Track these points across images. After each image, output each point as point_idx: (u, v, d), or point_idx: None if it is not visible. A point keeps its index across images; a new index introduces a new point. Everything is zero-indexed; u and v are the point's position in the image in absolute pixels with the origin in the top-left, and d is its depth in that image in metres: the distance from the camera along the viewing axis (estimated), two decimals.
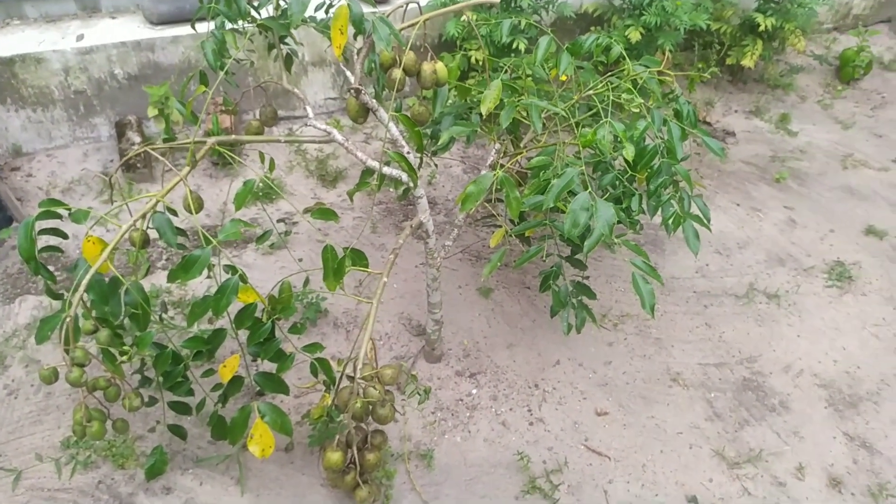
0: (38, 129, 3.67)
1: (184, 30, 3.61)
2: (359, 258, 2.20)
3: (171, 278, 1.94)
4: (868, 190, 3.90)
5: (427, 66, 2.15)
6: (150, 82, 3.65)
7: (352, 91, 2.04)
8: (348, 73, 2.20)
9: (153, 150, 2.02)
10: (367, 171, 2.79)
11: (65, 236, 2.17)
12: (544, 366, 2.89)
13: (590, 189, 1.97)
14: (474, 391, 2.78)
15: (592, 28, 4.10)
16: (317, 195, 3.67)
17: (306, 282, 2.34)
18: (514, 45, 3.63)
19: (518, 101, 2.25)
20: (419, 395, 2.19)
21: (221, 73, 2.12)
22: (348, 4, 1.97)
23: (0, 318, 2.99)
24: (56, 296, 2.24)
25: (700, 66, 4.32)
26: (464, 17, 3.63)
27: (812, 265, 3.42)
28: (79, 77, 3.55)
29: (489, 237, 3.48)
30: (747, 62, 4.27)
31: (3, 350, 2.84)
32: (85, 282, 1.81)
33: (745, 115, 4.49)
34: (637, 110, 2.21)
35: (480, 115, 2.63)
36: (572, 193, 2.13)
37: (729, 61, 4.39)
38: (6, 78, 3.45)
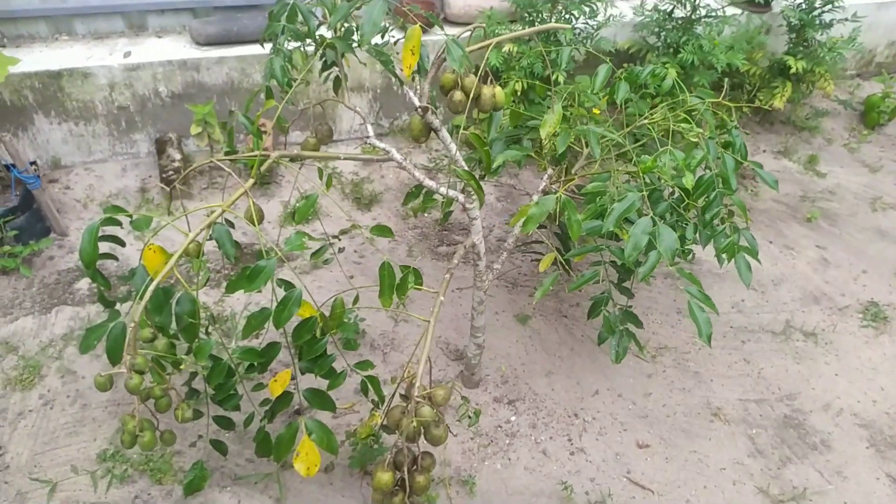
0: (79, 142, 3.70)
1: (229, 51, 3.66)
2: (416, 276, 2.20)
3: (231, 288, 1.94)
4: None
5: (487, 90, 2.18)
6: (192, 101, 3.69)
7: (418, 110, 2.07)
8: (410, 94, 2.23)
9: (220, 161, 2.04)
10: (412, 193, 2.81)
11: (122, 244, 2.17)
12: (583, 395, 2.86)
13: (651, 214, 1.98)
14: (513, 418, 2.75)
15: (625, 65, 4.16)
16: (352, 217, 3.68)
17: (356, 299, 2.34)
18: (554, 77, 3.68)
19: (575, 127, 2.28)
20: (469, 417, 2.16)
21: (290, 92, 2.15)
22: (420, 27, 2.01)
23: (36, 328, 2.98)
24: (109, 303, 2.24)
25: (746, 102, 4.37)
26: (505, 49, 3.68)
27: (847, 304, 3.41)
28: (123, 93, 3.60)
29: (525, 264, 3.49)
30: (777, 103, 4.32)
31: (40, 360, 2.82)
32: (151, 291, 1.80)
33: (774, 156, 4.53)
34: (696, 140, 2.24)
35: (531, 140, 2.67)
36: (628, 221, 2.14)
37: (758, 102, 4.45)
38: (52, 91, 3.50)
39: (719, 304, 3.36)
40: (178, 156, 3.64)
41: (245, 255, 3.39)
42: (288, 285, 1.98)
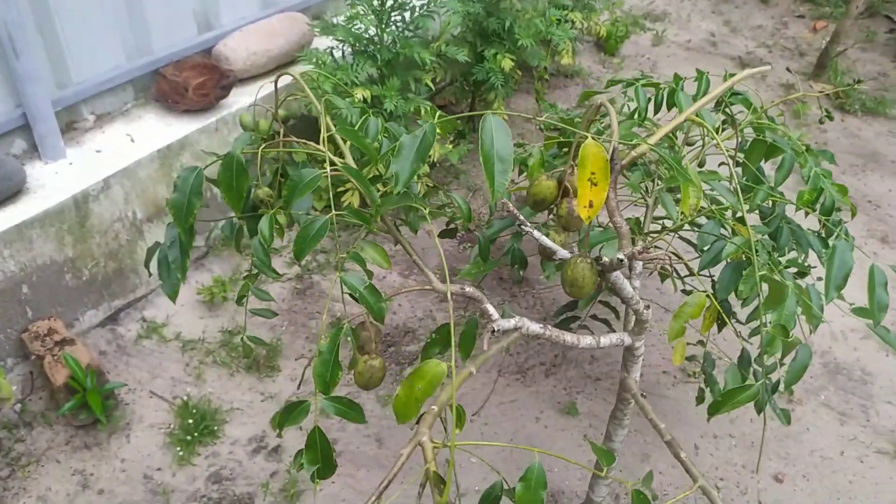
0: None
1: None
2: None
3: None
4: None
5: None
6: None
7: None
8: (537, 235, 1.41)
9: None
10: (466, 333, 1.96)
11: None
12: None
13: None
14: None
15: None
16: (263, 391, 2.55)
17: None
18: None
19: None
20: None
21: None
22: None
23: None
24: None
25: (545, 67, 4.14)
26: (359, 95, 2.76)
27: None
28: None
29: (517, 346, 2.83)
30: (567, 60, 4.21)
31: None
32: None
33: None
34: (804, 148, 1.90)
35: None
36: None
37: (545, 64, 4.28)
38: None
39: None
40: None
41: None
42: None
